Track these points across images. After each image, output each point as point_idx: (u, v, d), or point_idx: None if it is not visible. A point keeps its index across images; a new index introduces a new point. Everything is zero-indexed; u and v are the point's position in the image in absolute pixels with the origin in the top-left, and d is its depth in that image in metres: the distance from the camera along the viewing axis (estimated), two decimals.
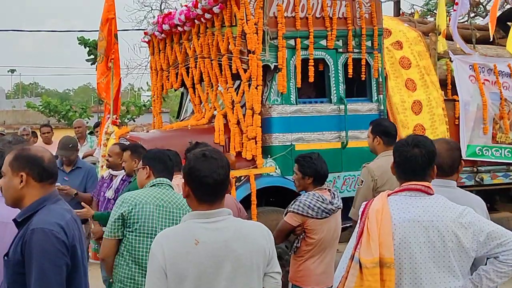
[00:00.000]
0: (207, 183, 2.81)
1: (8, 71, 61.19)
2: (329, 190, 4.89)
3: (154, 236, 3.11)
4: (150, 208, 4.01)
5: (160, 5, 22.96)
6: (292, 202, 4.83)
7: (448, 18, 9.14)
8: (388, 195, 3.12)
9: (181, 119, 8.78)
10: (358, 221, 3.12)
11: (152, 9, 22.96)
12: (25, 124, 26.54)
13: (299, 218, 4.72)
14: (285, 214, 4.85)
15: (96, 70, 8.87)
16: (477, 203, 3.67)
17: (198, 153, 2.90)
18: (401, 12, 15.94)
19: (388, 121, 5.51)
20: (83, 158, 8.51)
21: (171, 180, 4.38)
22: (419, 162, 3.11)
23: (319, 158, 4.93)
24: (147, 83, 29.16)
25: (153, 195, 4.09)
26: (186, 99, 8.87)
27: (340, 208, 4.90)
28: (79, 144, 7.92)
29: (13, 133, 10.19)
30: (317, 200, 4.71)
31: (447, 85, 8.38)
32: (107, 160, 6.51)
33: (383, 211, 3.01)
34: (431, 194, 3.10)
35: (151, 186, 4.21)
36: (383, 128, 5.33)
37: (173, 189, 4.28)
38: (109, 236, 4.04)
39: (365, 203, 3.17)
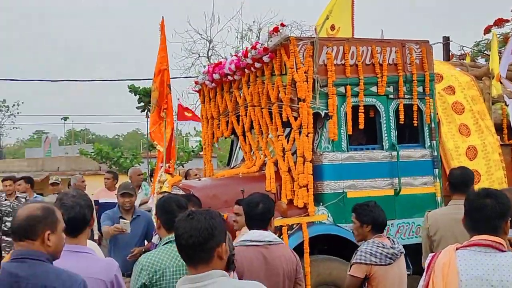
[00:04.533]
0: (179, 244, 2.77)
1: (61, 119, 62.77)
2: (388, 237, 4.83)
3: None
4: (171, 271, 3.76)
5: (207, 52, 23.41)
6: (353, 255, 4.78)
7: None
8: (457, 249, 2.98)
9: (232, 166, 8.82)
10: (424, 274, 3.01)
11: (199, 56, 23.42)
12: (77, 170, 27.12)
13: (364, 269, 4.64)
14: (350, 268, 4.78)
15: (149, 119, 9.05)
16: None
17: (187, 212, 2.84)
18: (450, 54, 15.82)
19: (457, 168, 5.56)
20: (139, 206, 8.59)
21: None
22: (488, 213, 2.96)
23: (376, 206, 4.92)
24: (194, 128, 29.65)
25: (171, 256, 3.82)
26: (236, 147, 8.92)
27: (403, 252, 4.81)
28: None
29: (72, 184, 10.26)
30: (378, 246, 4.65)
31: (503, 129, 8.21)
32: None
33: (450, 266, 2.89)
34: (503, 251, 2.92)
35: (165, 244, 3.94)
36: (449, 176, 5.41)
37: None
38: None
39: (431, 255, 3.05)
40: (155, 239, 6.22)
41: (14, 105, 62.17)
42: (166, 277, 3.74)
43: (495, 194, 3.04)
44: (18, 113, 61.71)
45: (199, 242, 2.70)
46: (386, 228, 6.88)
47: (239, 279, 3.80)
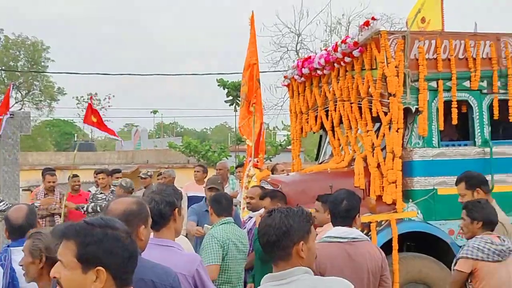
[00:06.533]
0: (259, 241, 2.85)
1: (151, 112, 64.40)
2: (498, 236, 4.73)
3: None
4: (232, 242, 5.26)
5: (296, 46, 23.40)
6: (460, 250, 4.75)
7: None
8: None
9: (320, 161, 8.84)
10: None
11: (288, 50, 23.43)
12: (166, 163, 27.82)
13: (470, 263, 4.59)
14: (455, 264, 4.73)
15: (237, 113, 9.19)
16: None
17: (269, 210, 2.89)
18: None
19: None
20: None
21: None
22: None
23: (488, 203, 4.86)
24: (282, 122, 29.85)
25: (229, 231, 5.35)
26: (324, 142, 8.93)
27: None
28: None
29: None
30: (486, 242, 4.58)
31: None
32: (248, 203, 6.66)
33: None
34: None
35: (221, 224, 5.41)
36: (482, 179, 5.36)
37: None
38: None
39: None
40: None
41: (105, 98, 64.22)
42: (229, 246, 5.20)
43: None
44: (109, 106, 63.63)
45: (273, 240, 2.74)
46: None
47: (322, 275, 3.81)
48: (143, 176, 10.48)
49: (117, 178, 10.12)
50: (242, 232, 5.61)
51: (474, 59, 7.16)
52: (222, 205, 5.53)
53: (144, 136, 49.32)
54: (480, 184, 5.33)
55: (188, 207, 7.76)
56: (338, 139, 8.09)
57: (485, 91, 7.23)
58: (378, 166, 7.01)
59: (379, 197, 6.87)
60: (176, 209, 3.56)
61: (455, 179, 5.54)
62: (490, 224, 4.74)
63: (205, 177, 9.59)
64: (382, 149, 7.08)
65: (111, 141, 69.79)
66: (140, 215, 3.03)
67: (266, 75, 27.71)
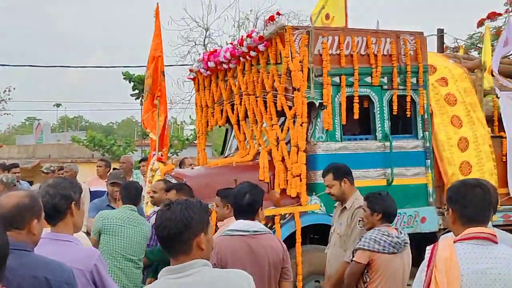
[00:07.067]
0: (157, 236, 2.74)
1: (54, 105, 62.32)
2: (396, 228, 4.88)
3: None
4: (115, 221, 5.56)
5: (204, 40, 23.30)
6: (358, 241, 4.84)
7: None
8: (454, 242, 2.93)
9: (225, 155, 8.83)
10: (424, 269, 2.96)
11: (195, 44, 23.29)
12: (69, 157, 27.06)
13: (367, 255, 4.70)
14: (353, 255, 4.82)
15: (141, 106, 9.00)
16: None
17: (166, 203, 2.82)
18: (444, 46, 15.82)
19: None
20: None
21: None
22: (481, 203, 2.95)
23: (388, 195, 4.98)
24: (190, 116, 29.65)
25: (119, 213, 5.68)
26: (230, 136, 8.93)
27: (407, 243, 4.84)
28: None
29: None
30: (383, 234, 4.70)
31: (494, 121, 8.30)
32: (151, 197, 6.55)
33: (451, 261, 2.85)
34: (496, 243, 2.91)
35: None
36: (347, 169, 5.54)
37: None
38: None
39: (429, 248, 3.00)
40: None
41: (5, 90, 61.41)
42: (112, 224, 5.51)
43: (483, 183, 3.04)
44: (9, 99, 60.88)
45: (174, 233, 2.65)
46: None
47: (224, 268, 3.79)
48: (45, 171, 10.15)
49: (15, 173, 9.71)
50: (141, 218, 5.78)
51: (376, 55, 7.36)
52: (130, 193, 5.78)
53: (47, 130, 47.70)
54: (346, 174, 5.49)
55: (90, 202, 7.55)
56: (244, 133, 8.11)
57: (385, 87, 7.45)
58: (283, 159, 7.08)
59: (284, 191, 6.93)
60: (73, 203, 3.42)
61: (322, 172, 5.66)
62: (389, 216, 4.89)
63: (108, 171, 9.35)
64: (286, 143, 7.16)
65: (12, 134, 67.17)
66: (32, 208, 2.90)
67: (174, 69, 27.44)
